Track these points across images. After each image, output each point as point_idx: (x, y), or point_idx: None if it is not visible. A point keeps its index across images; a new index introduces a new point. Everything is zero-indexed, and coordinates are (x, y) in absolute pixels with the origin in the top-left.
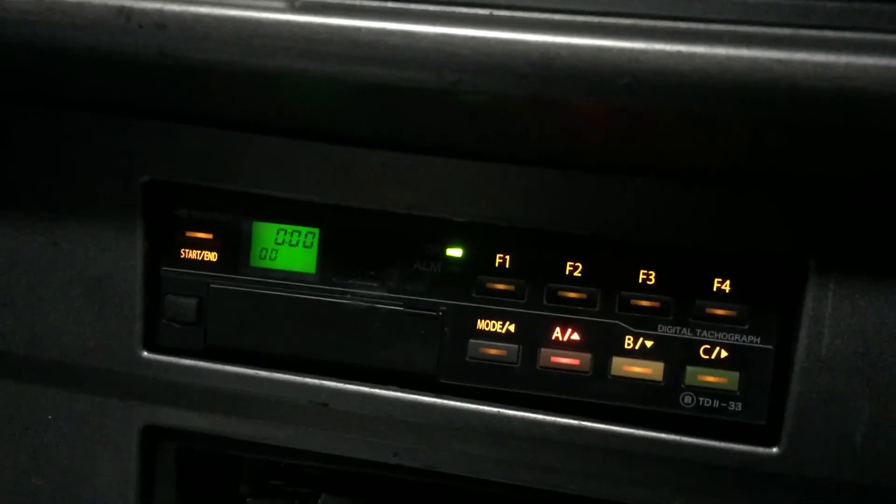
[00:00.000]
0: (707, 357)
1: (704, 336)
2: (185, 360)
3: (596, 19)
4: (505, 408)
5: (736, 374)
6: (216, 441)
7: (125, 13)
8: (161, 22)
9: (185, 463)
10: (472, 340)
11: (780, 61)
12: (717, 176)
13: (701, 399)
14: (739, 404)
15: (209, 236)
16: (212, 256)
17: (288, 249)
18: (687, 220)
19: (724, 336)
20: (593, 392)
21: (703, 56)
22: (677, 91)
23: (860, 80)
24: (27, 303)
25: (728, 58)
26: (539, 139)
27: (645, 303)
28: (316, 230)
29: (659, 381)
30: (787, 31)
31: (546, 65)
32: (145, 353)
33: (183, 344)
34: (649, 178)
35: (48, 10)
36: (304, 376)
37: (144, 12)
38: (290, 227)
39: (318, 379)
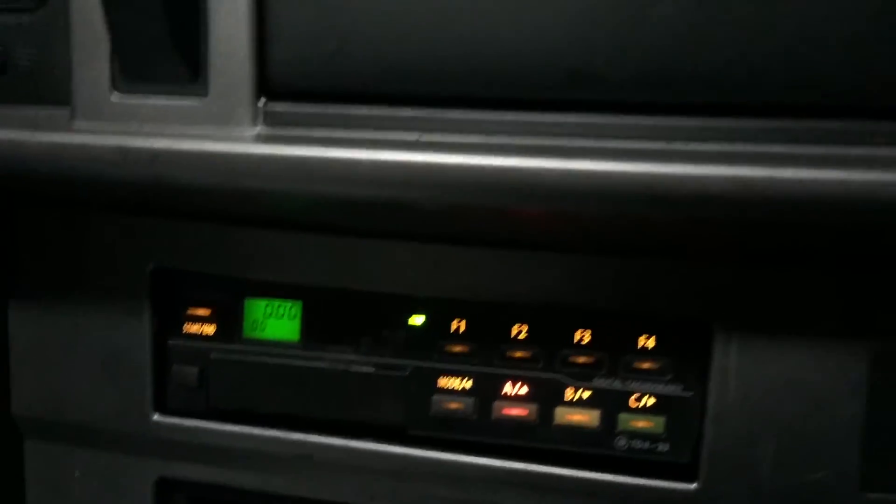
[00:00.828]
0: (637, 405)
1: (634, 386)
2: (191, 420)
3: (514, 141)
4: (465, 455)
5: (662, 419)
6: (220, 490)
7: (123, 152)
8: (152, 157)
9: None
10: (434, 396)
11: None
12: (636, 251)
13: (633, 442)
14: (666, 445)
15: (208, 312)
16: (210, 330)
17: (275, 321)
18: (613, 288)
19: (651, 386)
20: (540, 439)
21: (590, 171)
22: (570, 200)
23: (712, 188)
24: (54, 374)
25: (610, 172)
26: (483, 229)
27: (581, 359)
28: (299, 303)
29: (596, 428)
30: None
31: (464, 183)
32: (156, 416)
33: (188, 406)
34: (580, 254)
35: (62, 150)
36: (291, 432)
37: (138, 150)
38: (276, 302)
39: (303, 434)
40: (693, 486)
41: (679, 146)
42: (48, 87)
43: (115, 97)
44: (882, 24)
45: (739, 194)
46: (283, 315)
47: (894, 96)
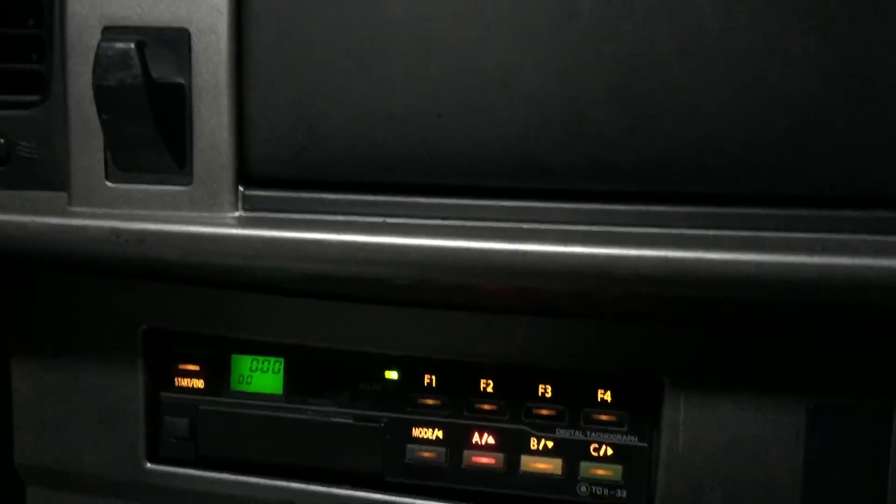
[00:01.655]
0: (596, 454)
1: (593, 437)
2: (181, 469)
3: (468, 224)
4: (437, 501)
5: (620, 467)
6: None
7: (115, 232)
8: (142, 238)
9: None
10: (409, 445)
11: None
12: (592, 314)
13: (594, 488)
14: (624, 492)
15: (197, 368)
16: (200, 384)
17: (260, 375)
18: (571, 347)
19: (609, 436)
20: (507, 485)
21: (534, 252)
22: (517, 277)
23: (644, 268)
24: (54, 426)
25: (553, 253)
26: (448, 296)
27: (544, 411)
28: (282, 360)
29: (559, 475)
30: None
31: (421, 261)
32: (149, 465)
33: (179, 455)
34: (541, 317)
35: (60, 231)
36: (275, 479)
37: (130, 231)
38: (261, 358)
39: (286, 481)
40: None
41: (615, 230)
42: (47, 175)
43: (109, 184)
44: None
45: (667, 274)
46: (267, 370)
47: (810, 185)
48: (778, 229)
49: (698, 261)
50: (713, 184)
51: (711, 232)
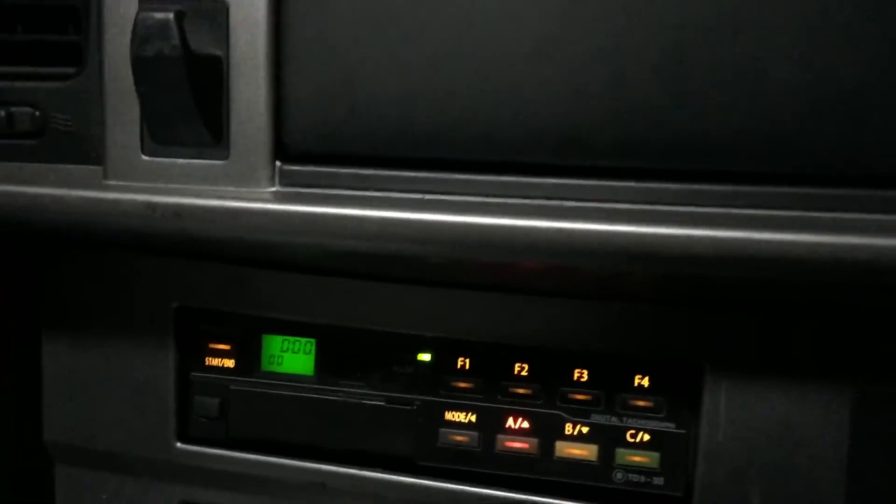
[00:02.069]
0: (633, 440)
1: (630, 423)
2: (211, 449)
3: (511, 202)
4: (469, 485)
5: (657, 455)
6: None
7: (151, 206)
8: (177, 212)
9: None
10: (441, 429)
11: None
12: (632, 297)
13: (630, 475)
14: (661, 479)
15: (228, 347)
16: (230, 363)
17: (291, 356)
18: (609, 331)
19: (646, 423)
20: (541, 471)
21: (578, 231)
22: (559, 256)
23: (694, 248)
24: (83, 403)
25: (596, 232)
26: (485, 277)
27: (580, 396)
28: (313, 340)
29: (594, 461)
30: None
31: (461, 239)
32: (179, 444)
33: (209, 435)
34: (579, 299)
35: (95, 205)
36: (305, 461)
37: (165, 205)
38: (292, 339)
39: (316, 463)
40: None
41: (661, 208)
42: (82, 148)
43: (145, 158)
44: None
45: (717, 254)
46: (298, 350)
47: (864, 165)
48: (831, 209)
49: (749, 241)
50: (764, 162)
51: (763, 212)
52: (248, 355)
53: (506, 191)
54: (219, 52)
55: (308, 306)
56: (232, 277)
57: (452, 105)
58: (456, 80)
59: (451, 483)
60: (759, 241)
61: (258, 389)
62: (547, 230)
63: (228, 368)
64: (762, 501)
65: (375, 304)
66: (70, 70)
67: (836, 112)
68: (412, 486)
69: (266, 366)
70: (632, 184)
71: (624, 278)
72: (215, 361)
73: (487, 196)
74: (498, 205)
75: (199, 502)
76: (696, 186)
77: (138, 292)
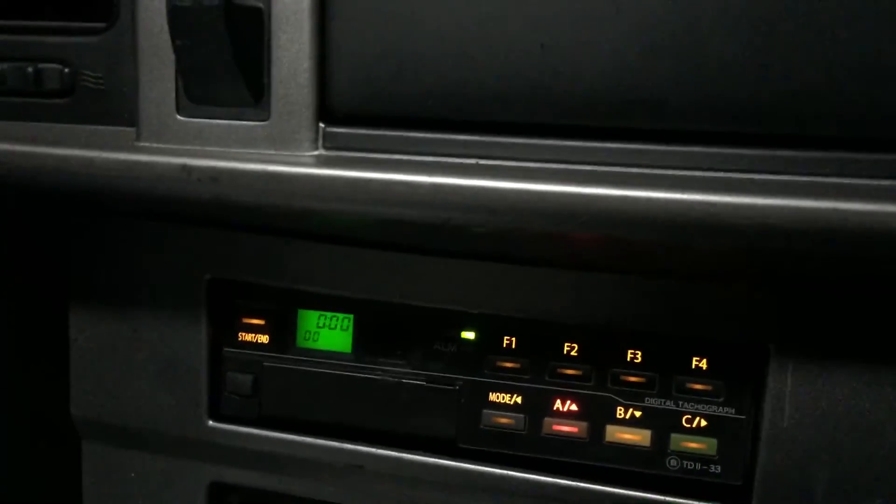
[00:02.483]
0: (689, 426)
1: (686, 407)
2: (244, 427)
3: (570, 167)
4: (514, 470)
5: (714, 441)
6: (271, 496)
7: (187, 169)
8: (214, 176)
9: None
10: (485, 411)
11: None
12: (689, 274)
13: (685, 462)
14: (719, 467)
15: (262, 322)
16: (264, 339)
17: (328, 332)
18: (666, 310)
19: (703, 407)
20: (590, 456)
21: (644, 199)
22: (625, 227)
23: (772, 218)
24: (112, 378)
25: (665, 200)
26: (536, 250)
27: (633, 378)
28: (351, 316)
29: (647, 447)
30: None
31: (518, 207)
32: (210, 422)
33: (242, 413)
34: (633, 275)
35: (128, 167)
36: (342, 442)
37: (202, 169)
38: (329, 314)
39: (354, 444)
40: None
41: (737, 176)
42: (114, 108)
43: (180, 118)
44: None
45: (799, 225)
46: (335, 327)
47: None
48: None
49: (835, 211)
50: (852, 127)
51: (849, 180)
52: (283, 331)
53: (566, 156)
54: (260, 4)
55: (346, 280)
56: (267, 249)
57: (510, 62)
58: (514, 35)
59: (494, 467)
60: (848, 212)
61: (293, 367)
62: (610, 198)
63: (262, 344)
64: (829, 492)
65: (417, 279)
66: (101, 24)
67: None
68: (453, 469)
69: (301, 342)
70: (703, 149)
71: (685, 253)
72: (249, 337)
73: (546, 162)
74: (557, 171)
75: (230, 482)
76: (775, 153)
77: (169, 263)
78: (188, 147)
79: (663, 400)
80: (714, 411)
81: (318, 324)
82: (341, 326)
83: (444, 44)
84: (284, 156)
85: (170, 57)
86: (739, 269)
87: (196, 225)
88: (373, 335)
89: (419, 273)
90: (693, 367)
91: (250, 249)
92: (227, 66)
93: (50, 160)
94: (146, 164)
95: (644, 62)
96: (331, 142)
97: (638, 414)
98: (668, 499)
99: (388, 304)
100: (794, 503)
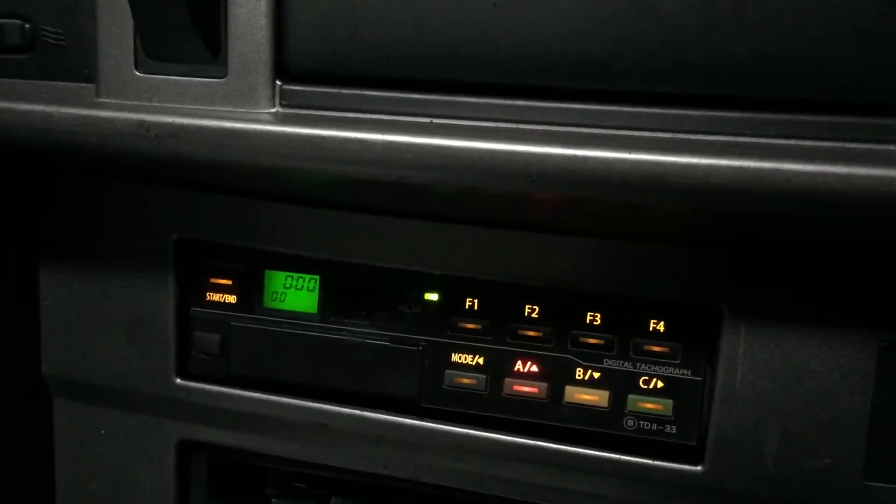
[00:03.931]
0: (645, 387)
1: (643, 369)
2: (212, 386)
3: (522, 127)
4: (475, 429)
5: (670, 402)
6: (239, 453)
7: (145, 126)
8: (172, 132)
9: (216, 470)
10: (447, 371)
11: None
12: (646, 236)
13: (641, 423)
14: (674, 427)
15: (229, 282)
16: (232, 299)
17: (294, 293)
18: (624, 271)
19: (660, 369)
20: (549, 416)
21: (594, 158)
22: (575, 185)
23: (716, 178)
24: (82, 337)
25: (615, 160)
26: (495, 211)
27: (592, 340)
28: (317, 277)
29: (605, 407)
30: (668, 136)
31: (471, 166)
32: (178, 380)
33: (209, 372)
34: (592, 238)
35: (87, 123)
36: (307, 400)
37: (160, 125)
38: (295, 275)
39: (319, 403)
40: (699, 468)
41: (684, 136)
42: (74, 64)
43: (138, 74)
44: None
45: (743, 185)
46: (302, 287)
47: None
48: (868, 141)
49: (776, 171)
50: (798, 88)
51: (792, 142)
52: (251, 291)
53: (518, 115)
54: None
55: (313, 241)
56: (234, 209)
57: (464, 22)
58: None
59: (456, 426)
60: (788, 172)
61: (260, 326)
62: (561, 157)
63: (230, 304)
64: (779, 452)
65: (382, 240)
66: None
67: (875, 38)
68: (416, 428)
69: (268, 302)
70: (653, 110)
71: (641, 214)
72: (216, 297)
73: (499, 121)
74: (510, 130)
75: (198, 440)
76: (722, 114)
77: (137, 223)
78: (147, 103)
79: (621, 361)
80: (670, 373)
81: (284, 284)
82: (307, 287)
83: (400, 2)
84: (241, 113)
85: (128, 13)
86: (692, 231)
87: (163, 185)
88: (338, 296)
89: (384, 235)
90: (651, 329)
91: (217, 210)
92: (184, 23)
93: (9, 115)
94: (104, 119)
95: (594, 23)
96: (288, 99)
97: (596, 375)
98: (624, 458)
99: (353, 265)
100: (745, 463)
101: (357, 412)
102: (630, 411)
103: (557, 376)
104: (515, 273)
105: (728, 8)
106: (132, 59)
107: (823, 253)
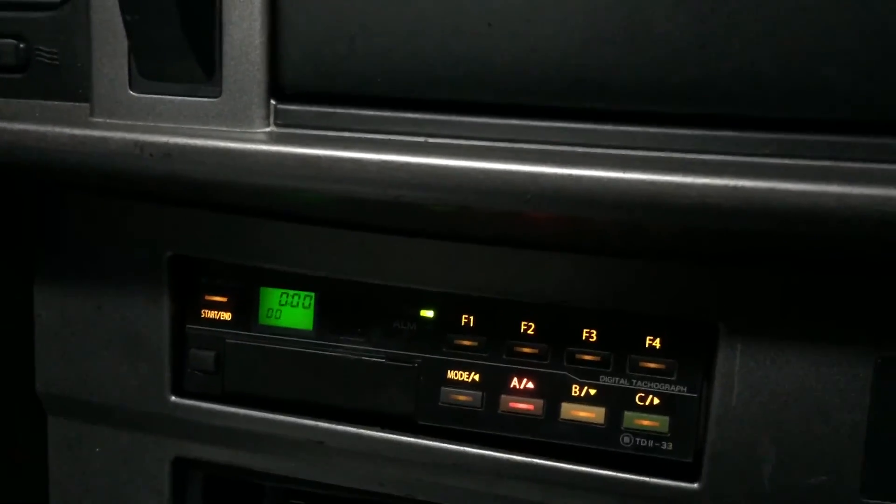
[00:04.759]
0: (642, 403)
1: (639, 385)
2: (207, 403)
3: (518, 146)
4: (471, 446)
5: (667, 419)
6: (234, 470)
7: (139, 145)
8: (167, 152)
9: (211, 488)
10: (443, 388)
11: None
12: (642, 253)
13: (637, 439)
14: (670, 444)
15: (224, 299)
16: (227, 316)
17: (290, 310)
18: (620, 288)
19: (656, 385)
20: (545, 433)
21: (589, 178)
22: (570, 205)
23: (711, 198)
24: (77, 355)
25: (609, 179)
26: (491, 229)
27: (588, 357)
28: (313, 294)
29: (601, 424)
30: (662, 155)
31: (465, 185)
32: (173, 398)
33: (204, 390)
34: (588, 255)
35: (81, 143)
36: (303, 418)
37: (154, 144)
38: (291, 292)
39: (315, 420)
40: (696, 485)
41: (678, 156)
42: (69, 83)
43: (133, 94)
44: (884, 41)
45: (738, 205)
46: (297, 304)
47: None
48: (864, 160)
49: (772, 191)
50: (793, 108)
51: (787, 161)
52: (246, 308)
53: (513, 135)
54: None
55: (308, 258)
56: (229, 226)
57: (458, 41)
58: (462, 13)
59: (452, 443)
60: (785, 192)
61: (255, 343)
62: (555, 176)
63: (225, 321)
64: (775, 469)
65: (378, 257)
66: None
67: (873, 56)
68: (412, 445)
69: (264, 319)
70: (647, 129)
71: (636, 232)
72: (211, 314)
73: (494, 140)
74: (504, 149)
75: (193, 457)
76: (717, 133)
77: (133, 240)
78: (141, 123)
79: (617, 378)
80: (667, 389)
81: (280, 301)
82: (303, 304)
83: (394, 22)
84: (236, 132)
85: (123, 33)
86: (688, 248)
87: (158, 202)
88: (334, 313)
89: (380, 252)
90: (647, 345)
91: (213, 227)
92: (178, 43)
93: (3, 135)
94: (99, 139)
95: (589, 42)
96: (282, 119)
97: (593, 392)
98: (620, 475)
99: (349, 282)
100: (741, 480)
101: (353, 430)
102: (626, 428)
103: (553, 393)
104: (511, 290)
105: (722, 27)
106: (126, 79)
107: (820, 269)
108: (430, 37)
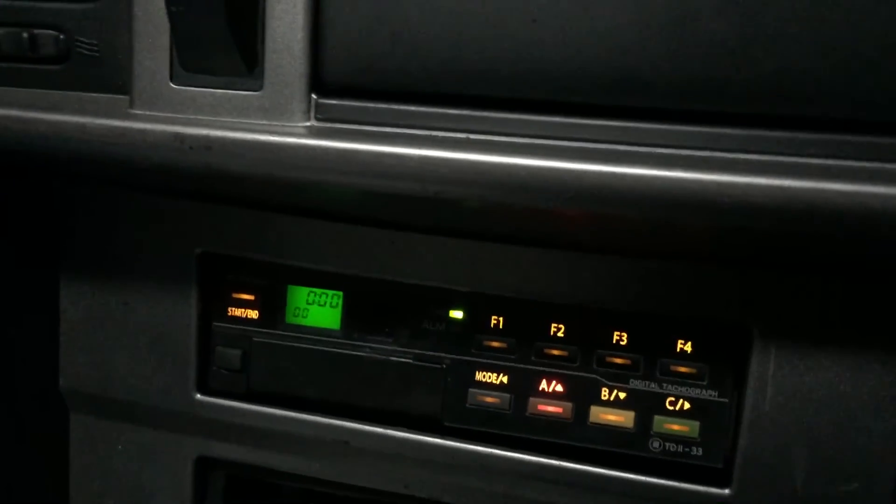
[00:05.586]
0: (672, 408)
1: (669, 389)
2: (231, 402)
3: (559, 143)
4: (498, 448)
5: (697, 424)
6: (257, 470)
7: (180, 138)
8: (207, 145)
9: (233, 487)
10: (471, 389)
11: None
12: (675, 254)
13: (667, 444)
14: (700, 449)
15: (252, 297)
16: (254, 314)
17: (317, 309)
18: (653, 290)
19: (687, 390)
20: (574, 436)
21: (632, 176)
22: (612, 203)
23: (755, 197)
24: (102, 351)
25: (652, 177)
26: (525, 228)
27: (618, 360)
28: (340, 293)
29: (630, 428)
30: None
31: (507, 182)
32: (198, 396)
33: (230, 388)
34: (620, 256)
35: (121, 135)
36: (329, 417)
37: (195, 137)
38: (318, 290)
39: (340, 420)
40: (726, 491)
41: (721, 155)
42: (109, 75)
43: (174, 86)
44: None
45: (783, 205)
46: (325, 303)
47: None
48: None
49: (817, 191)
50: (840, 108)
51: (832, 161)
52: (273, 306)
53: (555, 132)
54: None
55: (336, 256)
56: (258, 224)
57: (502, 37)
58: (507, 9)
59: (479, 445)
60: (829, 192)
61: (282, 342)
62: (598, 174)
63: (252, 319)
64: (807, 476)
65: (407, 257)
66: None
67: None
68: (438, 447)
69: (291, 318)
70: (692, 128)
71: (674, 232)
72: (238, 312)
73: (536, 137)
74: (546, 147)
75: (216, 457)
76: (761, 132)
77: (161, 237)
78: (181, 115)
79: (648, 382)
80: (697, 394)
81: (307, 300)
82: (331, 303)
83: (437, 18)
84: (276, 126)
85: (165, 25)
86: (725, 250)
87: (188, 198)
88: (362, 312)
89: (409, 251)
90: (678, 349)
91: (242, 224)
92: (222, 35)
93: (43, 125)
94: (139, 131)
95: (634, 39)
96: (323, 113)
97: (622, 395)
98: (649, 479)
99: (377, 281)
100: (773, 487)
101: (378, 430)
102: (656, 433)
103: (582, 396)
104: (541, 291)
105: (769, 26)
106: (167, 71)
107: (857, 273)
108: (473, 33)
